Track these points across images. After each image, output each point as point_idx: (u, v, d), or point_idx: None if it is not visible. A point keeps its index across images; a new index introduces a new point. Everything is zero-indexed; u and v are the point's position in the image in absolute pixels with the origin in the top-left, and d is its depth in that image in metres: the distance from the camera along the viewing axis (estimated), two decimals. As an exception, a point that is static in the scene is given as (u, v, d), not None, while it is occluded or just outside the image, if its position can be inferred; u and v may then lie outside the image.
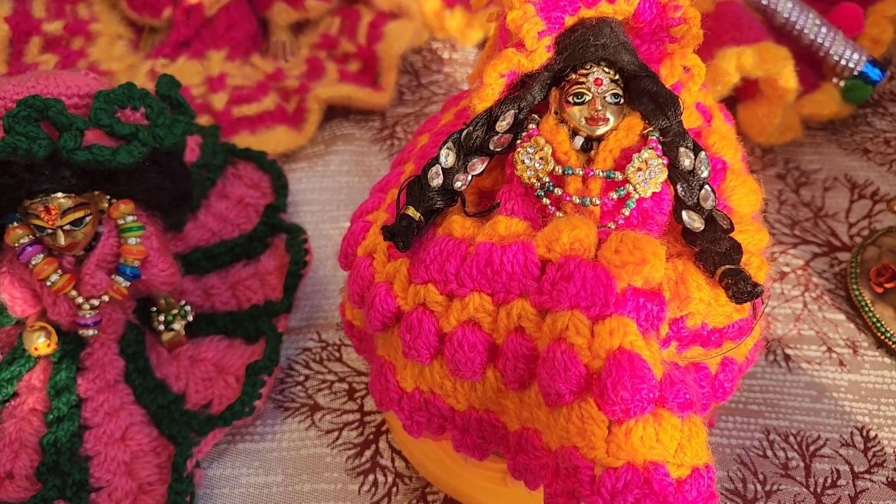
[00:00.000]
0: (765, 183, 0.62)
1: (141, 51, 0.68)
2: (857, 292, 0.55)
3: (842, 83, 0.64)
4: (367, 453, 0.47)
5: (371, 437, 0.48)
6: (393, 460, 0.47)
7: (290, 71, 0.66)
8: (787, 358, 0.52)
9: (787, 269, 0.57)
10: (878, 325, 0.53)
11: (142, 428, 0.46)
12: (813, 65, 0.66)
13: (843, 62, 0.64)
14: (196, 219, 0.54)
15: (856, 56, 0.64)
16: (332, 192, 0.60)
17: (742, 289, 0.33)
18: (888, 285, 0.54)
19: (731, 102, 0.64)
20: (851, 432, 0.49)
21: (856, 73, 0.64)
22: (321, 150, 0.62)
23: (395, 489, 0.45)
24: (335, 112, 0.64)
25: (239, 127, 0.61)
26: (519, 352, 0.33)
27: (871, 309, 0.54)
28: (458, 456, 0.43)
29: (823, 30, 0.64)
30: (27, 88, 0.41)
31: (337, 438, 0.48)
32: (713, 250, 0.35)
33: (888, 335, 0.53)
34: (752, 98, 0.63)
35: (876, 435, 0.49)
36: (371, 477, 0.46)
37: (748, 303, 0.36)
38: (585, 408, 0.31)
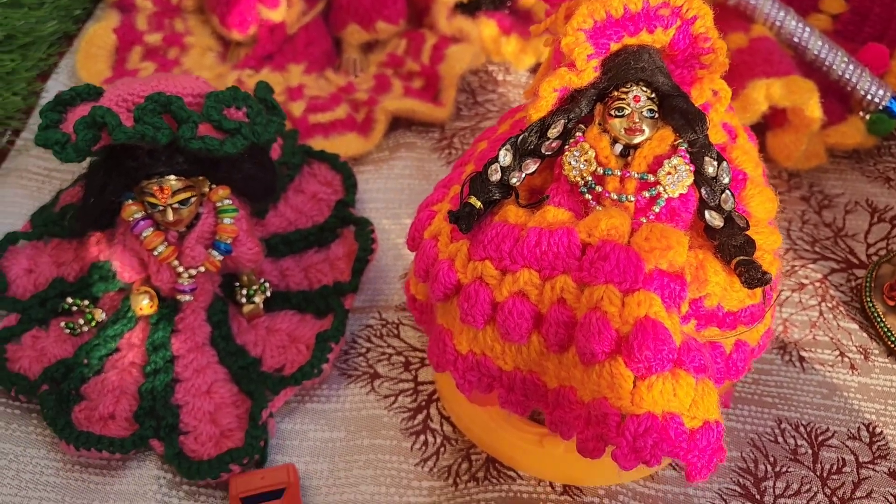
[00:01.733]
0: (789, 204, 0.68)
1: (228, 62, 0.76)
2: (870, 304, 0.60)
3: (867, 116, 0.69)
4: (419, 417, 0.53)
5: (423, 403, 0.54)
6: (441, 425, 0.53)
7: (360, 85, 0.73)
8: (801, 359, 0.57)
9: (805, 282, 0.62)
10: (890, 335, 0.58)
11: (224, 384, 0.53)
12: (841, 98, 0.71)
13: (868, 97, 0.69)
14: (276, 209, 0.61)
15: (881, 92, 0.69)
16: (395, 193, 0.67)
17: (753, 276, 0.39)
18: (900, 299, 0.59)
19: (761, 130, 0.69)
20: (859, 427, 0.54)
21: (881, 107, 0.69)
22: (386, 156, 0.70)
23: (442, 449, 0.52)
24: (399, 123, 0.72)
25: (314, 132, 0.69)
26: (560, 319, 0.39)
27: (884, 320, 0.59)
28: (500, 420, 0.49)
29: (851, 67, 0.70)
30: (152, 87, 0.49)
31: (393, 403, 0.54)
32: (730, 244, 0.40)
33: (898, 344, 0.57)
34: (780, 126, 0.69)
35: (882, 431, 0.54)
36: (422, 437, 0.52)
37: (759, 290, 0.42)
38: (615, 365, 0.37)
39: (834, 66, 0.70)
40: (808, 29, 0.71)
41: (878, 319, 0.59)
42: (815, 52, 0.70)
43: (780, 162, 0.69)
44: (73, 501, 0.50)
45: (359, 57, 0.77)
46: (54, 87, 0.73)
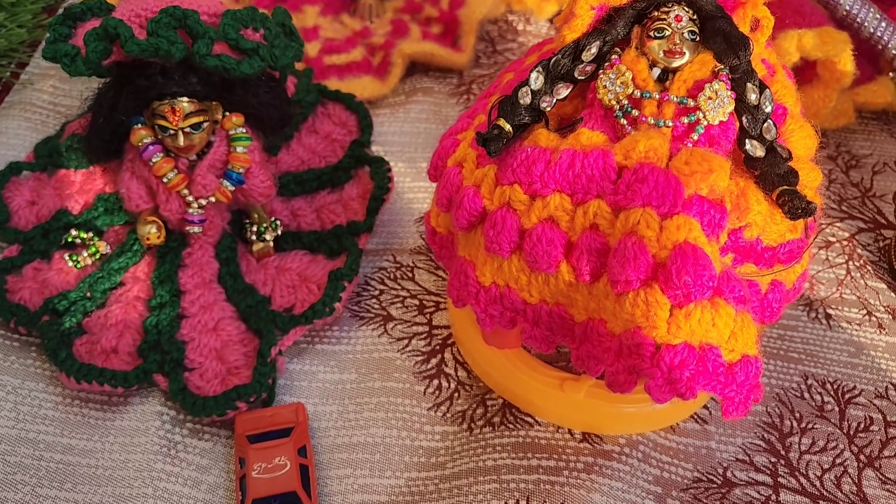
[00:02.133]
0: (816, 162, 0.66)
1: (240, 3, 0.74)
2: (899, 264, 0.58)
3: (898, 77, 0.67)
4: (434, 361, 0.51)
5: (437, 347, 0.52)
6: (456, 370, 0.51)
7: (377, 30, 0.71)
8: (828, 316, 0.55)
9: (833, 239, 0.60)
10: (918, 295, 0.56)
11: (231, 322, 0.51)
12: (871, 58, 0.69)
13: (900, 56, 0.67)
14: (288, 148, 0.59)
15: (913, 52, 0.67)
16: (411, 136, 0.64)
17: (797, 205, 0.37)
18: (930, 259, 0.57)
19: (795, 80, 0.67)
20: (886, 387, 0.52)
21: (912, 67, 0.67)
22: (402, 100, 0.67)
23: (456, 394, 0.50)
24: (416, 69, 0.69)
25: (329, 74, 0.66)
26: (593, 246, 0.37)
27: (912, 280, 0.57)
28: (518, 363, 0.47)
29: (883, 24, 0.67)
30: (166, 2, 0.46)
31: (406, 346, 0.52)
32: (773, 172, 0.38)
33: (927, 304, 0.56)
34: (808, 82, 0.67)
35: (910, 392, 0.52)
36: (436, 381, 0.50)
37: (800, 223, 0.40)
38: (650, 293, 0.35)
39: (866, 24, 0.68)
40: (840, -16, 0.69)
41: (908, 279, 0.57)
42: (847, 8, 0.68)
43: (808, 119, 0.66)
44: (71, 436, 0.48)
45: (374, 2, 0.74)
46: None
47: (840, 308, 0.56)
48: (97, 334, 0.50)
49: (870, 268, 0.59)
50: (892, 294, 0.57)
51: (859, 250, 0.60)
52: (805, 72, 0.66)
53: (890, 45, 0.67)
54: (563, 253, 0.38)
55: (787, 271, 0.42)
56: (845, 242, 0.60)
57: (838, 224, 0.61)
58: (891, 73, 0.68)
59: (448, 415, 0.49)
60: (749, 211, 0.37)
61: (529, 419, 0.48)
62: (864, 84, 0.67)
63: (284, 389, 0.50)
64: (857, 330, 0.55)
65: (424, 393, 0.50)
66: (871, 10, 0.68)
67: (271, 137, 0.55)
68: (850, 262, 0.59)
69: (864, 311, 0.56)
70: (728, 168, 0.37)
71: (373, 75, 0.67)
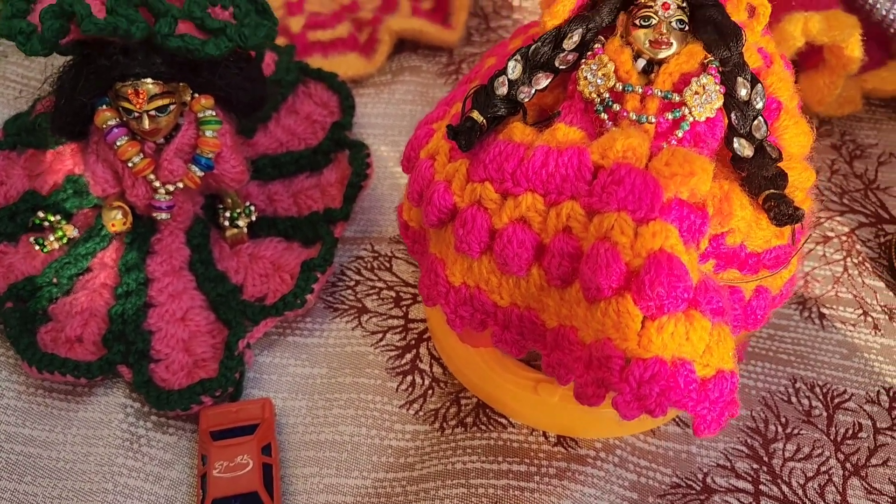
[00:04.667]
0: (819, 152, 0.63)
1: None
2: (899, 262, 0.55)
3: (909, 62, 0.64)
4: (408, 356, 0.50)
5: (413, 342, 0.50)
6: (431, 366, 0.49)
7: (365, 4, 0.68)
8: (822, 316, 0.53)
9: (831, 234, 0.58)
10: (918, 295, 0.54)
11: (201, 312, 0.50)
12: (882, 43, 0.66)
13: (913, 41, 0.64)
14: (266, 129, 0.57)
15: (926, 36, 0.64)
16: (395, 119, 0.62)
17: (784, 211, 0.35)
18: (931, 257, 0.55)
19: (793, 71, 0.64)
20: (878, 391, 0.50)
21: (924, 53, 0.64)
22: (388, 80, 0.65)
23: (430, 391, 0.48)
24: (405, 46, 0.67)
25: (313, 50, 0.64)
26: (565, 250, 0.35)
27: (912, 279, 0.55)
28: (493, 363, 0.45)
29: (896, 6, 0.64)
30: (130, -23, 0.44)
31: (381, 340, 0.50)
32: (760, 175, 0.36)
33: (926, 306, 0.53)
34: (814, 68, 0.64)
35: (903, 397, 0.50)
36: (409, 378, 0.49)
37: (787, 230, 0.37)
38: (622, 303, 0.33)
39: (878, 5, 0.65)
40: (851, -37, 0.65)
41: (907, 278, 0.55)
42: (859, -11, 0.65)
43: (812, 107, 0.64)
44: (33, 426, 0.46)
45: (365, -25, 0.71)
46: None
47: (835, 307, 0.54)
48: (62, 322, 0.49)
49: (868, 265, 0.56)
50: (891, 293, 0.55)
51: (858, 246, 0.57)
52: (811, 57, 0.63)
53: (902, 29, 0.64)
54: (535, 256, 0.36)
55: (773, 277, 0.39)
56: (844, 238, 0.58)
57: (838, 218, 0.59)
58: (902, 58, 0.65)
59: (420, 413, 0.47)
60: (732, 216, 0.35)
61: (503, 420, 0.47)
62: (873, 70, 0.65)
63: (253, 382, 0.49)
64: (851, 330, 0.53)
65: (397, 390, 0.48)
66: (884, -9, 0.65)
67: (245, 120, 0.52)
68: (849, 259, 0.57)
69: (860, 311, 0.54)
70: (711, 171, 0.34)
71: (359, 52, 0.64)
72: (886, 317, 0.54)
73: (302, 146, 0.57)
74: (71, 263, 0.50)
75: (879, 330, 0.53)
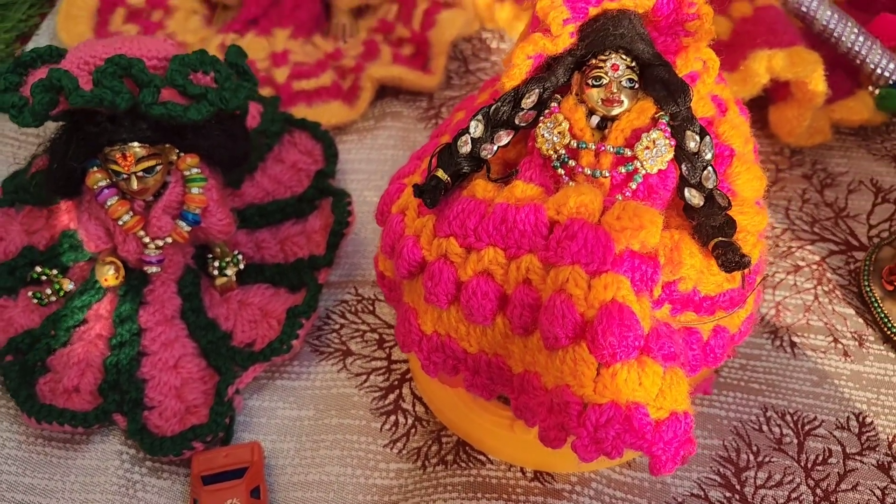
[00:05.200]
0: (790, 182, 0.65)
1: (213, 26, 0.74)
2: (868, 288, 0.57)
3: (876, 91, 0.66)
4: (391, 397, 0.52)
5: (396, 382, 0.52)
6: (414, 405, 0.51)
7: (348, 51, 0.71)
8: (793, 344, 0.55)
9: (802, 263, 0.60)
10: (886, 320, 0.55)
11: (192, 359, 0.52)
12: (850, 72, 0.68)
13: (878, 71, 0.66)
14: (253, 179, 0.59)
15: (891, 66, 0.66)
16: (378, 164, 0.64)
17: (731, 259, 0.37)
18: (899, 284, 0.56)
19: (764, 104, 0.67)
20: (848, 417, 0.51)
21: (891, 82, 0.66)
22: (371, 125, 0.67)
23: (413, 430, 0.50)
24: (386, 91, 0.69)
25: (297, 99, 0.67)
26: (525, 301, 0.37)
27: (881, 305, 0.56)
28: (471, 403, 0.47)
29: (861, 38, 0.66)
30: (114, 49, 0.47)
31: (365, 381, 0.52)
32: (709, 224, 0.38)
33: (895, 331, 0.55)
34: (783, 100, 0.66)
35: (872, 422, 0.51)
36: (393, 418, 0.51)
37: (738, 274, 0.39)
38: (578, 351, 0.35)
39: (843, 39, 0.67)
40: (816, -2, 0.68)
41: (875, 304, 0.56)
42: (824, 23, 0.67)
43: (783, 138, 0.66)
44: (34, 475, 0.49)
45: (349, 22, 0.74)
46: (35, 49, 0.71)
47: (806, 335, 0.56)
48: (60, 373, 0.51)
49: (839, 292, 0.58)
50: (860, 320, 0.57)
51: (829, 274, 0.59)
52: (780, 90, 0.66)
53: (868, 60, 0.66)
54: (499, 306, 0.38)
55: (731, 316, 0.41)
56: (815, 266, 0.59)
57: (809, 247, 0.61)
58: (870, 87, 0.67)
59: (404, 451, 0.49)
60: (682, 265, 0.37)
61: (482, 457, 0.48)
62: (841, 99, 0.66)
63: (243, 426, 0.51)
64: (821, 358, 0.54)
65: (381, 429, 0.50)
66: (849, 24, 0.67)
67: (231, 173, 0.55)
68: (819, 287, 0.58)
69: (831, 338, 0.55)
70: (660, 223, 0.36)
71: (342, 100, 0.67)
72: (856, 343, 0.55)
73: (288, 194, 0.59)
74: (68, 316, 0.53)
75: (849, 356, 0.55)
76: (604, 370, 0.35)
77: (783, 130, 0.66)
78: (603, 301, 0.35)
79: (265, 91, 0.66)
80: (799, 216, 0.63)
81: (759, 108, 0.67)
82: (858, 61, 0.67)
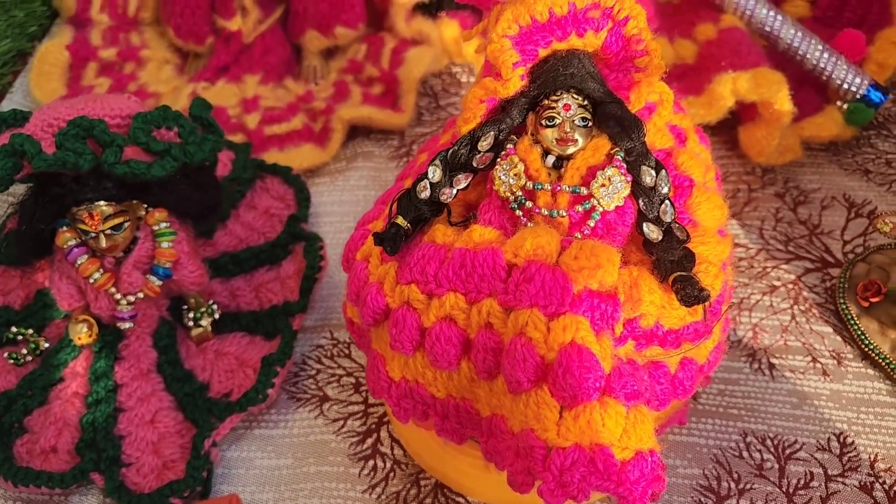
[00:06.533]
0: (763, 201, 0.66)
1: (186, 74, 0.74)
2: (843, 306, 0.57)
3: (845, 106, 0.67)
4: (369, 441, 0.51)
5: (373, 426, 0.52)
6: (392, 448, 0.51)
7: (319, 93, 0.71)
8: (771, 367, 0.55)
9: (777, 283, 0.60)
10: (863, 337, 0.55)
11: (169, 412, 0.52)
12: (818, 89, 0.68)
13: (845, 86, 0.67)
14: (226, 227, 0.60)
15: (857, 80, 0.66)
16: (351, 205, 0.65)
17: (690, 293, 0.37)
18: (874, 300, 0.56)
19: (733, 124, 0.67)
20: (829, 438, 0.51)
21: (858, 96, 0.67)
22: (342, 167, 0.68)
23: (392, 474, 0.50)
24: (358, 132, 0.70)
25: (269, 144, 0.67)
26: (488, 345, 0.37)
27: (857, 322, 0.56)
28: (446, 445, 0.47)
29: (825, 55, 0.67)
30: (77, 110, 0.47)
31: (342, 427, 0.52)
32: (667, 258, 0.38)
33: (872, 347, 0.55)
34: (751, 120, 0.66)
35: (853, 441, 0.51)
36: (371, 462, 0.50)
37: (699, 308, 0.39)
38: (540, 394, 0.35)
39: (808, 56, 0.67)
40: (780, 17, 0.69)
41: (852, 321, 0.56)
42: (788, 42, 0.68)
43: (753, 157, 0.66)
44: (13, 539, 0.48)
45: (319, 64, 0.75)
46: (9, 107, 0.71)
47: (784, 356, 0.55)
48: (37, 433, 0.51)
49: (815, 311, 0.58)
50: (838, 338, 0.56)
51: (805, 293, 0.59)
52: (748, 110, 0.66)
53: (834, 76, 0.67)
54: (463, 350, 0.38)
55: (698, 347, 0.41)
56: (791, 286, 0.59)
57: (784, 266, 0.61)
58: (838, 102, 0.67)
59: (383, 496, 0.49)
60: (641, 302, 0.37)
61: (461, 499, 0.48)
62: (811, 115, 0.67)
63: (222, 478, 0.51)
64: (800, 379, 0.54)
65: (360, 475, 0.50)
66: (813, 41, 0.67)
67: (202, 224, 0.55)
68: (796, 307, 0.58)
69: (809, 358, 0.55)
70: (617, 261, 0.37)
71: (313, 143, 0.67)
72: (835, 361, 0.55)
73: (261, 240, 0.60)
74: (44, 375, 0.53)
75: (828, 375, 0.54)
76: (566, 413, 0.35)
77: (753, 150, 0.66)
78: (562, 343, 0.35)
79: (237, 138, 0.67)
80: (773, 235, 0.63)
81: (729, 128, 0.68)
82: (825, 77, 0.67)
